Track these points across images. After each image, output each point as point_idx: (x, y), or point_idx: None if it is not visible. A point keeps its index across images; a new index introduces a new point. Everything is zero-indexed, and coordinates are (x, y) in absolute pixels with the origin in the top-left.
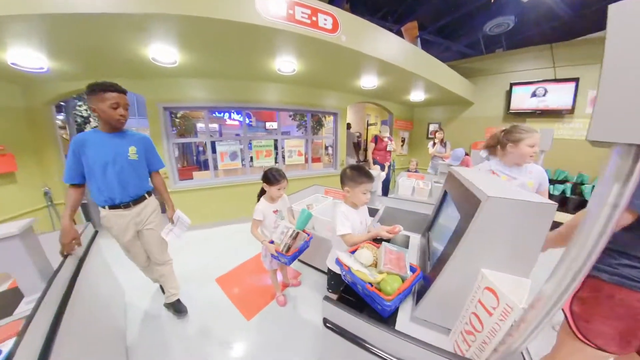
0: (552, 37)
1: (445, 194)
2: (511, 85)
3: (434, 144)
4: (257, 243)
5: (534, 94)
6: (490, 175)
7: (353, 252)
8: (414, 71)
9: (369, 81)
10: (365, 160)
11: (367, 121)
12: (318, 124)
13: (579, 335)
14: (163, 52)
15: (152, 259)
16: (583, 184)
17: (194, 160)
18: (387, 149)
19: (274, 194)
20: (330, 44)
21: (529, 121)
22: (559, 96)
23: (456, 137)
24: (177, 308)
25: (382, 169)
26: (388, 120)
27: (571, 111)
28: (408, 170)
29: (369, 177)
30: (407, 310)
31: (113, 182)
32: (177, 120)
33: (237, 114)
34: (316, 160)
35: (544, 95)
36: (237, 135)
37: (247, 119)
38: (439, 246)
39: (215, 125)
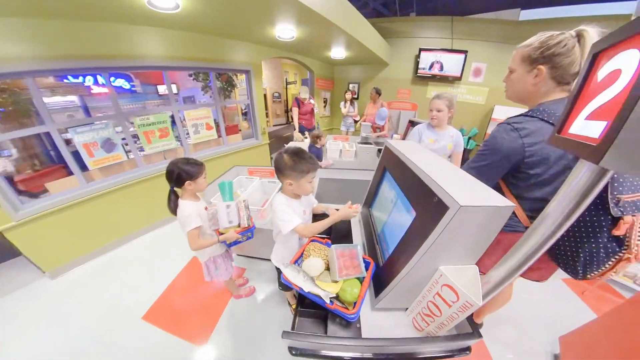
0: (453, 10)
1: (384, 170)
2: (420, 50)
3: (345, 102)
4: (180, 253)
5: (433, 63)
6: (432, 156)
7: (297, 260)
8: (339, 24)
9: (286, 31)
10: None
11: (286, 79)
12: (229, 84)
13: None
14: None
15: None
16: (462, 136)
17: (53, 157)
18: (314, 112)
19: (202, 185)
20: None
21: (431, 84)
22: (451, 64)
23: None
24: None
25: (303, 133)
26: (308, 79)
27: (459, 78)
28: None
29: (314, 163)
30: (366, 301)
31: None
32: None
33: (107, 76)
34: (233, 130)
35: (440, 68)
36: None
37: (126, 83)
38: (387, 232)
39: (73, 98)
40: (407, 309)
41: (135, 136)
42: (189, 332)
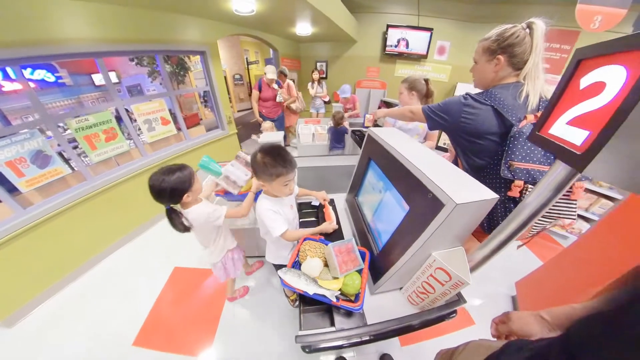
0: None
1: (369, 160)
2: (387, 26)
3: (313, 83)
4: (159, 266)
5: (400, 40)
6: (418, 147)
7: (294, 262)
8: None
9: (244, 3)
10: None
11: (246, 59)
12: (180, 68)
13: None
14: None
15: None
16: None
17: None
18: (277, 100)
19: (199, 189)
20: None
21: (399, 62)
22: (418, 42)
23: (341, 75)
24: None
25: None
26: (272, 58)
27: (425, 56)
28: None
29: (289, 165)
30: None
31: None
32: None
33: (18, 68)
34: (193, 120)
35: (406, 46)
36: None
37: (50, 75)
38: (378, 221)
39: None
40: (401, 288)
41: (73, 140)
42: (189, 346)
